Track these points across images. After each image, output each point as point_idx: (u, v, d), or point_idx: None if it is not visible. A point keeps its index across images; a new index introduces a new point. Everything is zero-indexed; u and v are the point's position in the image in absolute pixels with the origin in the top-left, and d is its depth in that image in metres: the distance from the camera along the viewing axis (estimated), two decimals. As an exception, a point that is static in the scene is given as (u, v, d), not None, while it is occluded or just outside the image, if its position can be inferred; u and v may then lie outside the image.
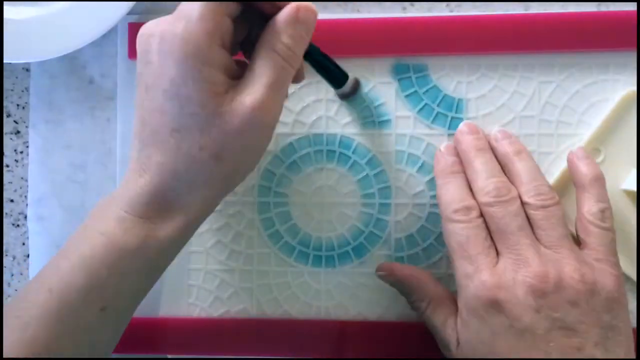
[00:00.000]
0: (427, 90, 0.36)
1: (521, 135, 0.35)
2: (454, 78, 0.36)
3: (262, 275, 0.37)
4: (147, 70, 0.28)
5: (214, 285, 0.37)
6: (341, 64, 0.34)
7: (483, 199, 0.31)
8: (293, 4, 0.29)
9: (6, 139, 0.39)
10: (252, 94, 0.28)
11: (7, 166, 0.39)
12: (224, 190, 0.31)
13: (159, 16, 0.36)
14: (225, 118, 0.28)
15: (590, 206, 0.31)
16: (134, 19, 0.37)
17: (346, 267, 0.36)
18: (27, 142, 0.38)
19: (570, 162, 0.33)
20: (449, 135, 0.36)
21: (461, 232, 0.31)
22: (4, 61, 0.36)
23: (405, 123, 0.36)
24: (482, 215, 0.31)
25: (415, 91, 0.36)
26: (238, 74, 0.29)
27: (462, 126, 0.34)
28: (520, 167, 0.32)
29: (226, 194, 0.31)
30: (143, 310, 0.36)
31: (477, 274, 0.30)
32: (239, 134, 0.28)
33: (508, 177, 0.32)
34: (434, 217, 0.36)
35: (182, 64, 0.27)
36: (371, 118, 0.36)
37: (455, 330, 0.32)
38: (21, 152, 0.38)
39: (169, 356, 0.37)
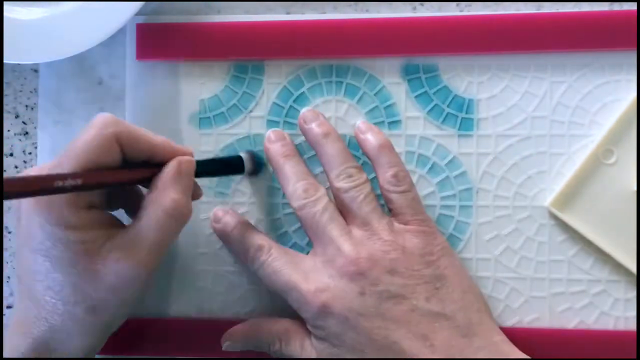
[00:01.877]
0: (437, 91, 0.35)
1: (532, 136, 0.35)
2: (464, 78, 0.35)
3: (271, 277, 0.36)
4: (18, 229, 0.30)
5: (223, 287, 0.36)
6: (350, 63, 0.33)
7: (295, 204, 0.32)
8: (175, 161, 0.29)
9: (15, 140, 0.39)
10: (133, 256, 0.29)
11: (16, 167, 0.39)
12: (103, 337, 0.32)
13: (167, 16, 0.37)
14: (100, 274, 0.29)
15: (383, 174, 0.32)
16: (142, 19, 0.37)
17: (355, 269, 0.36)
18: (36, 143, 0.38)
19: (357, 138, 0.34)
20: (459, 135, 0.35)
21: (269, 266, 0.32)
22: (12, 62, 0.36)
23: (415, 124, 0.36)
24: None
25: (425, 91, 0.36)
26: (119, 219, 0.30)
27: (268, 133, 0.35)
28: (329, 152, 0.33)
29: (105, 339, 0.32)
30: (152, 312, 0.37)
31: (298, 290, 0.31)
32: (114, 291, 0.29)
33: (321, 161, 0.33)
34: (444, 219, 0.35)
35: (47, 229, 0.28)
36: (381, 119, 0.36)
37: (314, 348, 0.32)
38: (30, 153, 0.38)
39: (178, 357, 0.36)
